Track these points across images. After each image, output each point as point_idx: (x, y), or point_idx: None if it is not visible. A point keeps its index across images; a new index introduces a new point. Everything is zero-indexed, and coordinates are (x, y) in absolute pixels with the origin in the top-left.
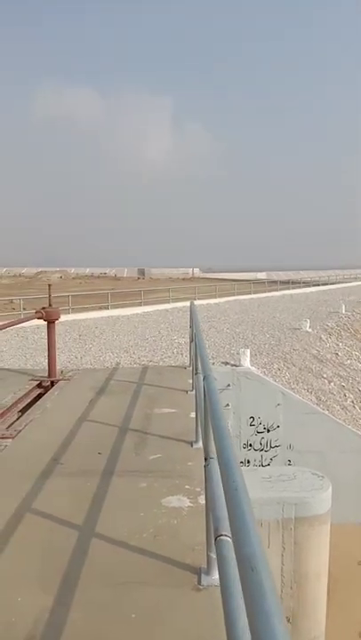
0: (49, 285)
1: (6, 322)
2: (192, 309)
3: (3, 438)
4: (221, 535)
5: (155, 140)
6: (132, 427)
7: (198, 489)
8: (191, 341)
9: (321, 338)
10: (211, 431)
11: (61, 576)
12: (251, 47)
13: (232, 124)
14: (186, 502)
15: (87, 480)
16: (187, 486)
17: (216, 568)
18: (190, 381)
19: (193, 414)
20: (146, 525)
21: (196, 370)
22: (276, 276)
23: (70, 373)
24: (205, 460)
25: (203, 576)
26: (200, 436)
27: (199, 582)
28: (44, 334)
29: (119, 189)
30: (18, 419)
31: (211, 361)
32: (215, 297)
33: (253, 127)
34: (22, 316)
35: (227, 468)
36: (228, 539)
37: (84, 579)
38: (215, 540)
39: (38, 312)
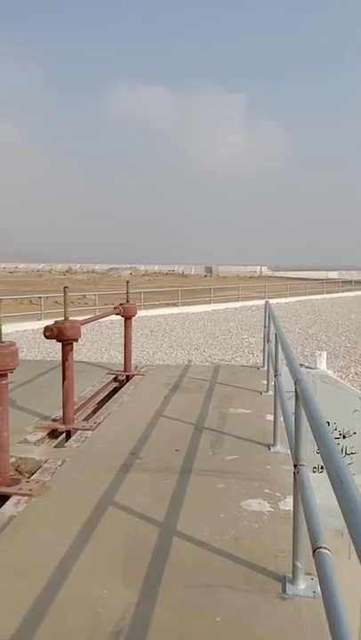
0: (127, 282)
1: (89, 317)
2: (269, 309)
3: (83, 430)
4: (321, 547)
5: (226, 137)
6: (207, 425)
7: (278, 494)
8: (267, 341)
9: None
10: (301, 438)
11: (145, 572)
12: (326, 46)
13: (306, 122)
14: (266, 507)
15: (166, 477)
16: (266, 490)
17: (302, 578)
18: (264, 382)
19: (269, 416)
20: (226, 527)
21: (276, 371)
22: (348, 275)
23: (144, 369)
24: (295, 466)
25: (288, 585)
26: (278, 439)
27: (284, 591)
28: (118, 329)
29: (188, 187)
30: (94, 411)
31: (283, 362)
32: (286, 296)
33: (327, 126)
34: (97, 311)
35: (343, 485)
36: (328, 551)
37: (168, 577)
38: (313, 552)
39: (117, 308)
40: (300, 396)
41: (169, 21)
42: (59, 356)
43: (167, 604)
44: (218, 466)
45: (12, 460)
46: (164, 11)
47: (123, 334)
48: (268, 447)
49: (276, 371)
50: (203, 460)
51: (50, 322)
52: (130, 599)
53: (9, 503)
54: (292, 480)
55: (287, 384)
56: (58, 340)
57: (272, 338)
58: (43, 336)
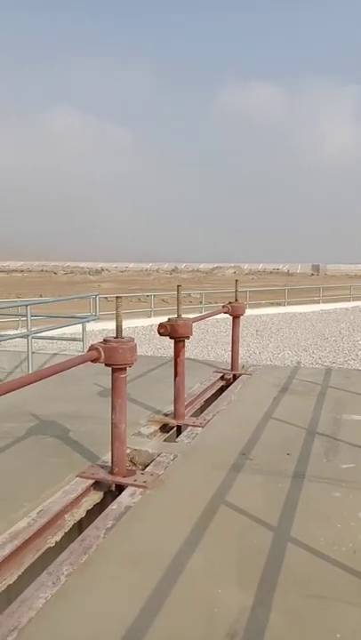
0: (235, 281)
1: (199, 315)
2: None
3: (194, 426)
4: None
5: (337, 131)
6: (319, 430)
7: None
8: None
9: None
10: None
11: (259, 576)
12: None
13: None
14: None
15: (278, 480)
16: None
17: None
18: None
19: None
20: (343, 539)
21: None
22: None
23: (251, 368)
24: None
25: None
26: None
27: None
28: (223, 328)
29: (296, 183)
30: (201, 408)
31: None
32: None
33: None
34: (203, 310)
35: None
36: None
37: (282, 583)
38: None
39: (225, 306)
40: None
41: (279, 16)
42: (168, 352)
43: (283, 611)
44: (333, 473)
45: (128, 451)
46: (274, 5)
47: (228, 333)
48: None
49: None
50: (316, 467)
51: (159, 319)
52: (245, 602)
53: (125, 493)
54: None
55: None
56: (170, 337)
57: None
58: (152, 332)
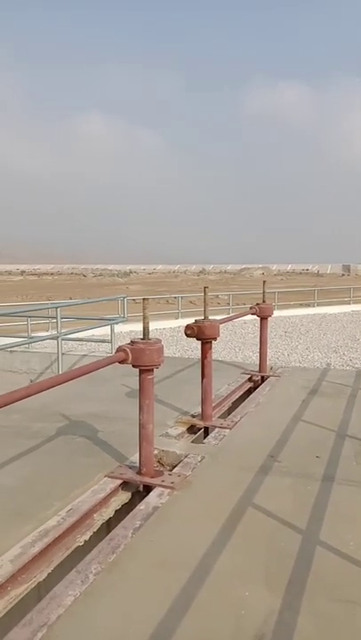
0: (263, 282)
1: (226, 316)
2: None
3: (221, 428)
4: None
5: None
6: (349, 433)
7: None
8: None
9: None
10: None
11: (287, 579)
12: None
13: None
14: None
15: (307, 483)
16: None
17: None
18: None
19: None
20: None
21: None
22: None
23: (280, 370)
24: None
25: None
26: None
27: None
28: (251, 329)
29: (326, 182)
30: (229, 410)
31: None
32: None
33: None
34: (231, 311)
35: None
36: None
37: (311, 587)
38: None
39: (253, 308)
40: None
41: (303, 15)
42: (195, 354)
43: (312, 615)
44: None
45: (155, 452)
46: (299, 4)
47: (256, 334)
48: None
49: None
50: (346, 470)
51: (186, 321)
52: (272, 605)
53: (153, 494)
54: None
55: None
56: (197, 339)
57: None
58: (179, 334)
